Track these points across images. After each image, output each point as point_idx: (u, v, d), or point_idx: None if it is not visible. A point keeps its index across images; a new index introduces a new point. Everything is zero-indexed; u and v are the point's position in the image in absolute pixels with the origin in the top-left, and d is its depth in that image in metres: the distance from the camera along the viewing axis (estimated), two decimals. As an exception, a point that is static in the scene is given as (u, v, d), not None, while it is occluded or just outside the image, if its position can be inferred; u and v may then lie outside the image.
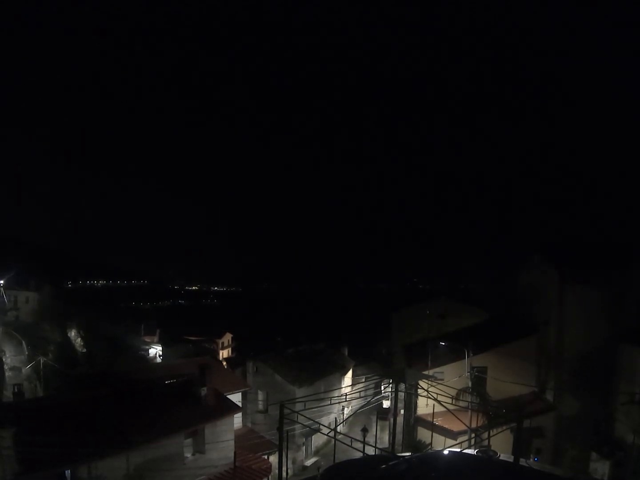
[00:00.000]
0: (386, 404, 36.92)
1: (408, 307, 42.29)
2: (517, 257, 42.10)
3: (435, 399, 20.59)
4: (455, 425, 24.98)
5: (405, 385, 24.60)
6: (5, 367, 41.20)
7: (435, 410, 26.18)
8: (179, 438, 20.75)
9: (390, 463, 10.08)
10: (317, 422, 19.90)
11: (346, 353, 46.60)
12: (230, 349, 72.04)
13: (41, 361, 40.11)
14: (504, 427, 21.54)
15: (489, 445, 22.17)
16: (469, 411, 25.21)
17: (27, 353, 45.11)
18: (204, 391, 22.98)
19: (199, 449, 22.16)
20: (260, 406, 34.43)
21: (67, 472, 16.98)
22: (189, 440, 21.89)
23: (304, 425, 21.20)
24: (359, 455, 19.28)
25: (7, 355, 44.26)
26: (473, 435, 23.77)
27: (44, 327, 53.22)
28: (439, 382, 25.90)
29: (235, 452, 23.24)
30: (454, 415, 21.39)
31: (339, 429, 32.79)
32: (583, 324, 28.95)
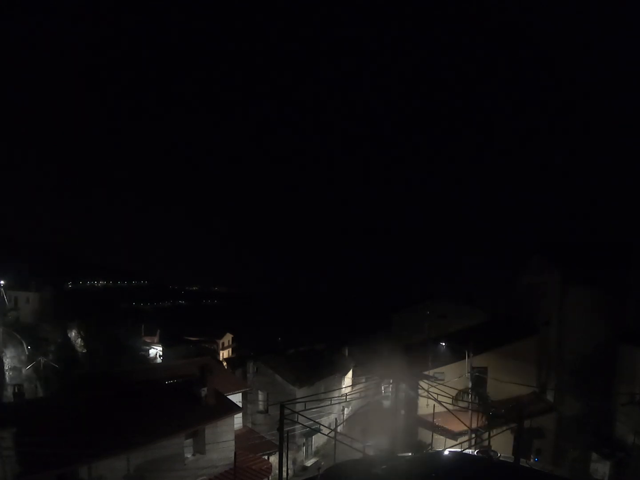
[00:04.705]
0: (386, 404, 36.92)
1: (409, 308, 42.29)
2: (518, 258, 42.14)
3: (435, 399, 20.63)
4: (456, 426, 24.96)
5: (406, 385, 24.62)
6: (6, 367, 41.20)
7: (435, 411, 26.19)
8: (179, 438, 20.72)
9: (391, 463, 10.08)
10: (318, 423, 19.94)
11: (346, 353, 46.59)
12: (230, 350, 71.90)
13: (41, 362, 40.14)
14: (505, 428, 21.54)
15: (489, 446, 22.20)
16: (470, 411, 25.21)
17: (27, 354, 45.08)
18: (204, 391, 22.95)
19: (199, 450, 22.12)
20: (261, 406, 34.42)
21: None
22: (189, 441, 21.86)
23: (304, 425, 21.20)
24: (359, 455, 19.28)
25: (8, 356, 44.21)
26: (473, 435, 23.77)
27: (45, 328, 53.11)
28: (440, 382, 25.91)
29: (235, 453, 23.17)
30: (455, 415, 21.40)
31: (339, 429, 32.76)
32: (583, 325, 28.93)
